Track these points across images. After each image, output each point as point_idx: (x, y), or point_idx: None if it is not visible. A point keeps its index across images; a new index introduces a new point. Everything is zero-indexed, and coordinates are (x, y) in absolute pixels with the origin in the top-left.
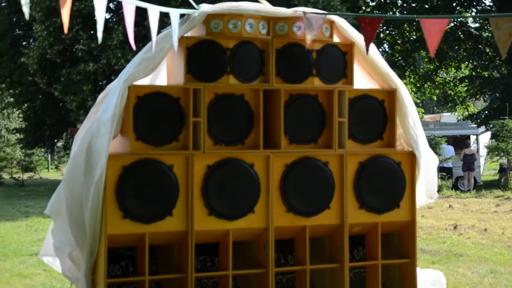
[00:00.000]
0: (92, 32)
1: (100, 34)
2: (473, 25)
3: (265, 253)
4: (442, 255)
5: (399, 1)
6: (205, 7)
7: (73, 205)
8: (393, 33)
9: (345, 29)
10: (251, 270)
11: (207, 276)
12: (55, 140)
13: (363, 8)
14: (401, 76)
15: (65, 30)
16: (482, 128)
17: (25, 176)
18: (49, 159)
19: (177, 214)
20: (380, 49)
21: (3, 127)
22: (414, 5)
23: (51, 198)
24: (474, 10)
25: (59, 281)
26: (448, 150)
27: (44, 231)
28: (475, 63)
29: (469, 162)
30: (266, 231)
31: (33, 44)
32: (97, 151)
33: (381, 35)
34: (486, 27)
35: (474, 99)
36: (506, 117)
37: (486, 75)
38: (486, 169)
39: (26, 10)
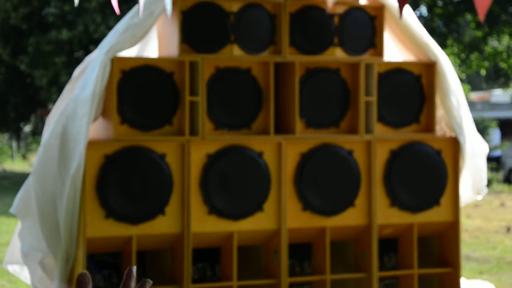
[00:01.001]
0: None
1: None
2: None
3: (276, 260)
4: (492, 263)
5: None
6: None
7: (44, 202)
8: None
9: None
10: (259, 281)
11: None
12: (22, 124)
13: None
14: (442, 46)
15: None
16: None
17: None
18: (14, 146)
19: (171, 213)
20: (417, 12)
21: None
22: None
23: (18, 194)
24: None
25: None
26: (496, 135)
27: (8, 234)
28: None
29: None
30: (277, 233)
31: None
32: (73, 137)
33: None
34: None
35: None
36: None
37: None
38: None
39: None
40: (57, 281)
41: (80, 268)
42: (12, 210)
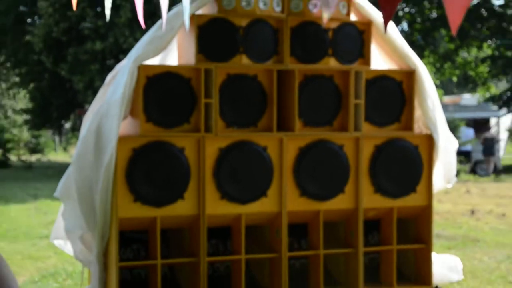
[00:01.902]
0: (99, 9)
1: (108, 12)
2: (497, 2)
3: (278, 238)
4: (458, 240)
5: None
6: None
7: (83, 188)
8: (413, 10)
9: (363, 7)
10: (264, 255)
11: (219, 261)
12: (63, 121)
13: None
14: (420, 56)
15: (74, 7)
16: (504, 110)
17: (33, 158)
18: (57, 140)
19: (189, 198)
20: (399, 28)
21: (9, 107)
22: None
23: (61, 181)
24: None
25: (71, 264)
26: (468, 133)
27: (53, 213)
28: (498, 42)
29: (490, 146)
30: (279, 215)
31: (38, 21)
32: (106, 133)
33: (400, 13)
34: (510, 4)
35: (496, 80)
36: None
37: (510, 55)
38: (507, 152)
39: None
40: (95, 253)
41: (114, 242)
42: (56, 194)
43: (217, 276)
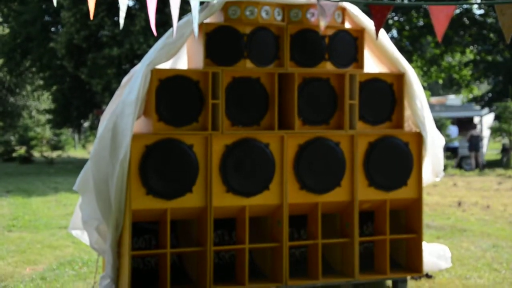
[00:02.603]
0: (116, 18)
1: (122, 21)
2: (478, 12)
3: (280, 228)
4: (446, 230)
5: None
6: None
7: (99, 182)
8: (401, 19)
9: (356, 16)
10: (266, 244)
11: (224, 250)
12: (82, 121)
13: None
14: (409, 61)
15: (91, 16)
16: (486, 110)
17: (54, 154)
18: (76, 138)
19: (197, 191)
20: (389, 35)
21: (33, 108)
22: None
23: (79, 175)
24: None
25: (87, 253)
26: (453, 130)
27: (72, 206)
28: (479, 48)
29: (475, 143)
30: (280, 207)
31: (61, 30)
32: (122, 131)
33: (390, 21)
34: (490, 13)
35: (478, 82)
36: (509, 99)
37: (490, 59)
38: (489, 149)
39: None
40: (109, 243)
41: (127, 232)
42: (74, 187)
43: (223, 264)
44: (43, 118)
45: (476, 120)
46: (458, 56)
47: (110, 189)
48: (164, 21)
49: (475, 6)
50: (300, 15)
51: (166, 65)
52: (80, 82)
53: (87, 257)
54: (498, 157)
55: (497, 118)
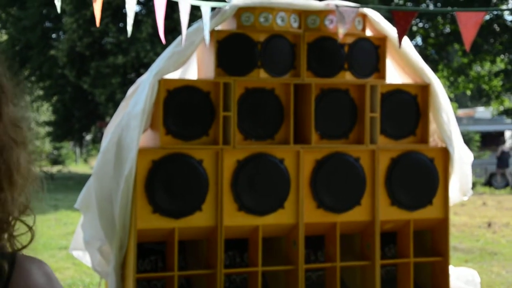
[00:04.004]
0: (121, 24)
1: (129, 27)
2: (509, 18)
3: (295, 250)
4: (475, 253)
5: None
6: (236, 0)
7: (102, 199)
8: (426, 26)
9: (378, 22)
10: (280, 267)
11: (236, 272)
12: (84, 133)
13: (396, 0)
14: (434, 70)
15: (97, 23)
16: None
17: (54, 169)
18: (78, 152)
19: (207, 209)
20: (413, 42)
21: (32, 119)
22: None
23: (81, 192)
24: (511, 2)
25: (88, 275)
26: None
27: (73, 224)
28: (511, 56)
29: (505, 159)
30: (296, 227)
31: (62, 36)
32: (127, 145)
33: (414, 28)
34: None
35: (509, 93)
36: None
37: None
38: None
39: (58, 3)
40: (113, 265)
41: (132, 254)
42: (76, 205)
43: None
44: (43, 130)
45: (507, 134)
46: (487, 65)
47: (114, 207)
48: (172, 27)
49: (507, 12)
50: (318, 22)
51: (174, 75)
52: (82, 92)
53: (89, 280)
54: None
55: None
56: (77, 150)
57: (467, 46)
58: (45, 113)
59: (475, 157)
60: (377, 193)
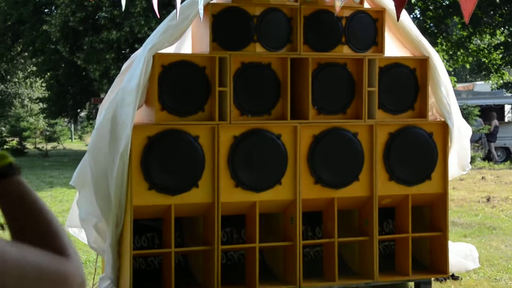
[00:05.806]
0: None
1: (123, 2)
2: None
3: (293, 226)
4: (474, 228)
5: None
6: None
7: (98, 176)
8: None
9: None
10: (278, 243)
11: (233, 249)
12: (78, 110)
13: None
14: (433, 44)
15: None
16: None
17: (49, 146)
18: (72, 129)
19: (203, 186)
20: (411, 15)
21: (26, 96)
22: None
23: (76, 169)
24: None
25: (84, 252)
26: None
27: (68, 202)
28: (511, 29)
29: (495, 133)
30: (293, 203)
31: (55, 11)
32: (122, 122)
33: (413, 0)
34: None
35: (509, 67)
36: None
37: None
38: None
39: None
40: (109, 242)
41: (128, 230)
42: (71, 182)
43: (231, 265)
44: (37, 107)
45: (507, 108)
46: (487, 38)
47: (109, 184)
48: (167, 1)
49: None
50: None
51: (169, 50)
52: (76, 68)
53: (85, 257)
54: None
55: None
56: (72, 127)
57: (466, 18)
58: (39, 89)
59: (473, 131)
60: (376, 169)
